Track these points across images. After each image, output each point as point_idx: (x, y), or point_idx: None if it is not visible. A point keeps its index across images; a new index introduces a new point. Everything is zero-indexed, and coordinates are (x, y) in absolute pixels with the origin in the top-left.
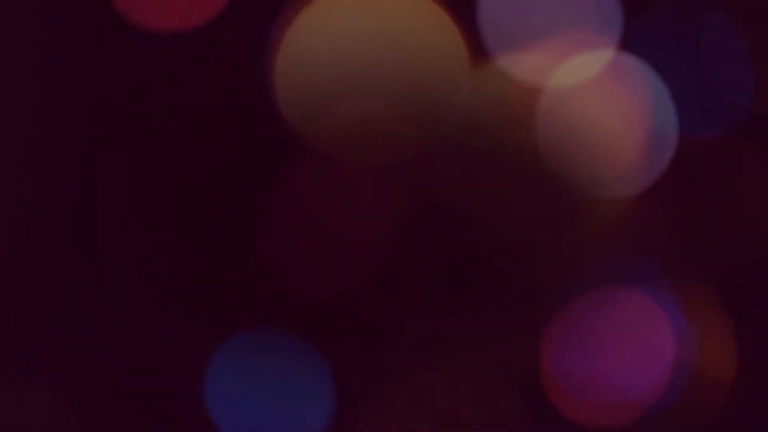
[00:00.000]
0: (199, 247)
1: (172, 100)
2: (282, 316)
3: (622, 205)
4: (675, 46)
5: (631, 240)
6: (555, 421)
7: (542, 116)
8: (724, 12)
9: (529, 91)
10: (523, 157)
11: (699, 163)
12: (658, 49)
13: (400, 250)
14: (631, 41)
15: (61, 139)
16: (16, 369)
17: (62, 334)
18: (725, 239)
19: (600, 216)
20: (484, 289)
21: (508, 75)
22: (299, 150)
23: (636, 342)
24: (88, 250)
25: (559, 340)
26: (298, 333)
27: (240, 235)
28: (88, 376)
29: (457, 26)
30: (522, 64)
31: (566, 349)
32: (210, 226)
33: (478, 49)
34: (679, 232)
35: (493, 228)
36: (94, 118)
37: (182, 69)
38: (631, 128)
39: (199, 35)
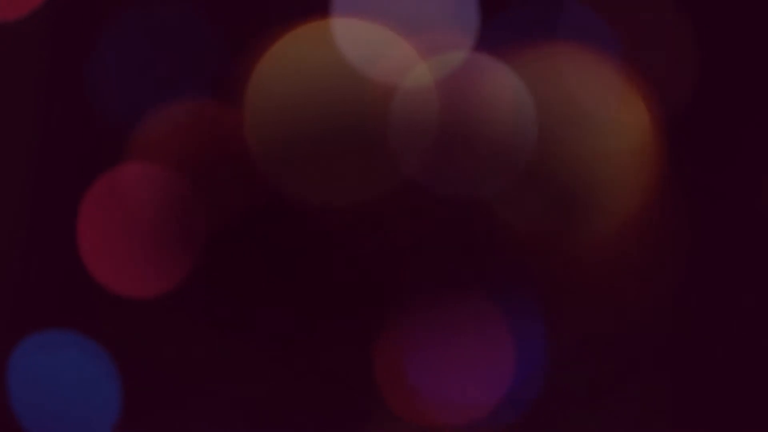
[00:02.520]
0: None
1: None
2: (89, 315)
3: (487, 206)
4: (536, 45)
5: (486, 244)
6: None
7: (398, 116)
8: (585, 9)
9: (385, 91)
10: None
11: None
12: (518, 49)
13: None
14: (489, 41)
15: (61, 139)
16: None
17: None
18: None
19: (464, 218)
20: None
21: (365, 75)
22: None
23: (477, 346)
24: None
25: (400, 341)
26: (99, 334)
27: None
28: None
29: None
30: (379, 64)
31: (407, 350)
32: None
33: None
34: (531, 232)
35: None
36: (95, 118)
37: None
38: (489, 128)
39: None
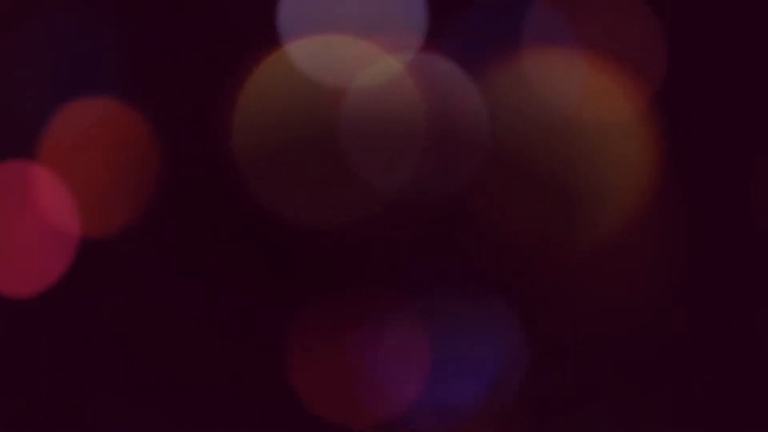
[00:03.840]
0: None
1: None
2: None
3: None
4: (490, 45)
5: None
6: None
7: (347, 118)
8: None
9: (334, 93)
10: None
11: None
12: (471, 50)
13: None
14: (443, 41)
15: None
16: (16, 369)
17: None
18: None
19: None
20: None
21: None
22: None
23: (388, 347)
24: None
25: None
26: None
27: None
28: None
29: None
30: (327, 66)
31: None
32: None
33: None
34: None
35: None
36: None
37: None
38: (441, 130)
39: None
